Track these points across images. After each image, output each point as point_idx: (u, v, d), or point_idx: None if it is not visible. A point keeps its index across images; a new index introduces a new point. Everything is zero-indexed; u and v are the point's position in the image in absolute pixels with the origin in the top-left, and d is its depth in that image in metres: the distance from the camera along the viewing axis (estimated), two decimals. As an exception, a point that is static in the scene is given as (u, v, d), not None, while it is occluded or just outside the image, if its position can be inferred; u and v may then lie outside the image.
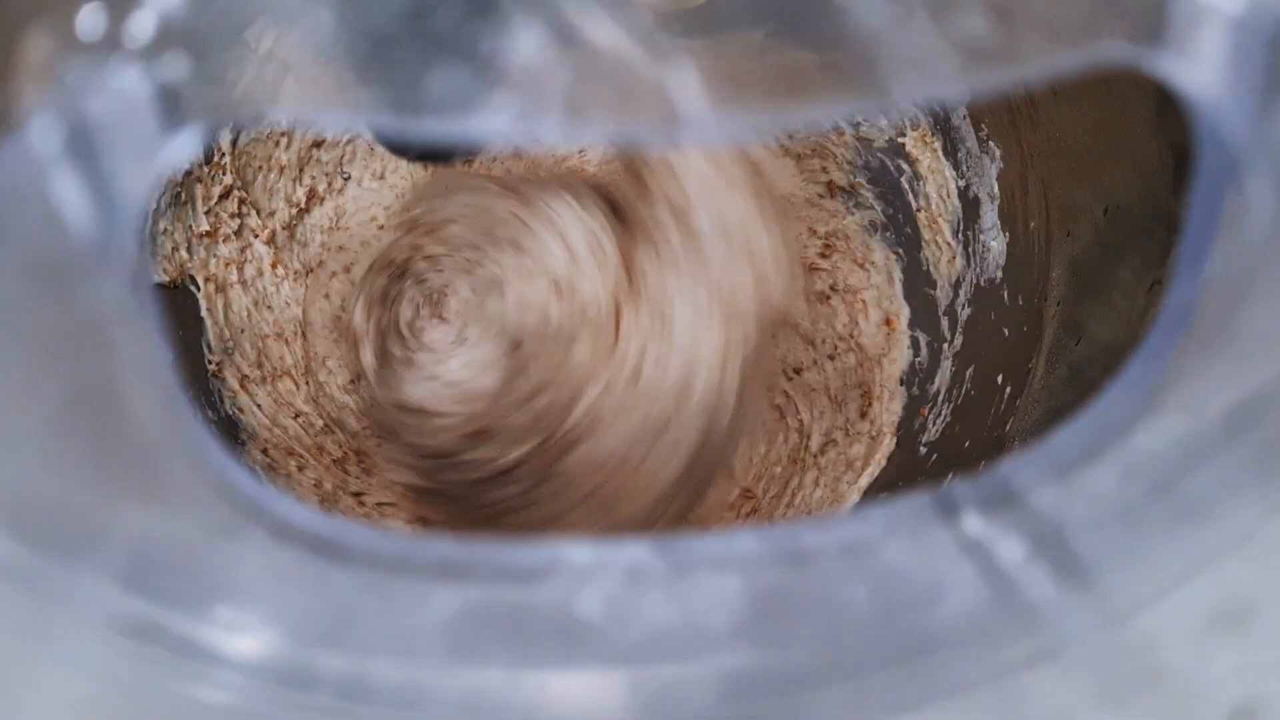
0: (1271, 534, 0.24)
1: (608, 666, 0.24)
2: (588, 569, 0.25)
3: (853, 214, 0.69)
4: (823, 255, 0.70)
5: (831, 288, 0.69)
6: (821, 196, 0.70)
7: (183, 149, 0.23)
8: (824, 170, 0.70)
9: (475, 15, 0.21)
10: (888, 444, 0.68)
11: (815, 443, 0.67)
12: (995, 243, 0.64)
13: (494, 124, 0.21)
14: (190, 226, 0.61)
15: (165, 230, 0.60)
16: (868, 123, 0.69)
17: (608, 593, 0.25)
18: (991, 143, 0.64)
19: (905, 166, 0.68)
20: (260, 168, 0.64)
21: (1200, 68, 0.24)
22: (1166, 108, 0.47)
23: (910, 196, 0.68)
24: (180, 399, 0.23)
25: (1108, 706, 0.23)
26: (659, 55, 0.21)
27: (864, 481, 0.65)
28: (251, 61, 0.22)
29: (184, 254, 0.61)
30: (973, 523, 0.26)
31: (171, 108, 0.22)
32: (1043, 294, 0.61)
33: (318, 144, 0.66)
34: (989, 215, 0.65)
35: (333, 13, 0.21)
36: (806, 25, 0.22)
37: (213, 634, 0.23)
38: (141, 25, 0.22)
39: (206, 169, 0.62)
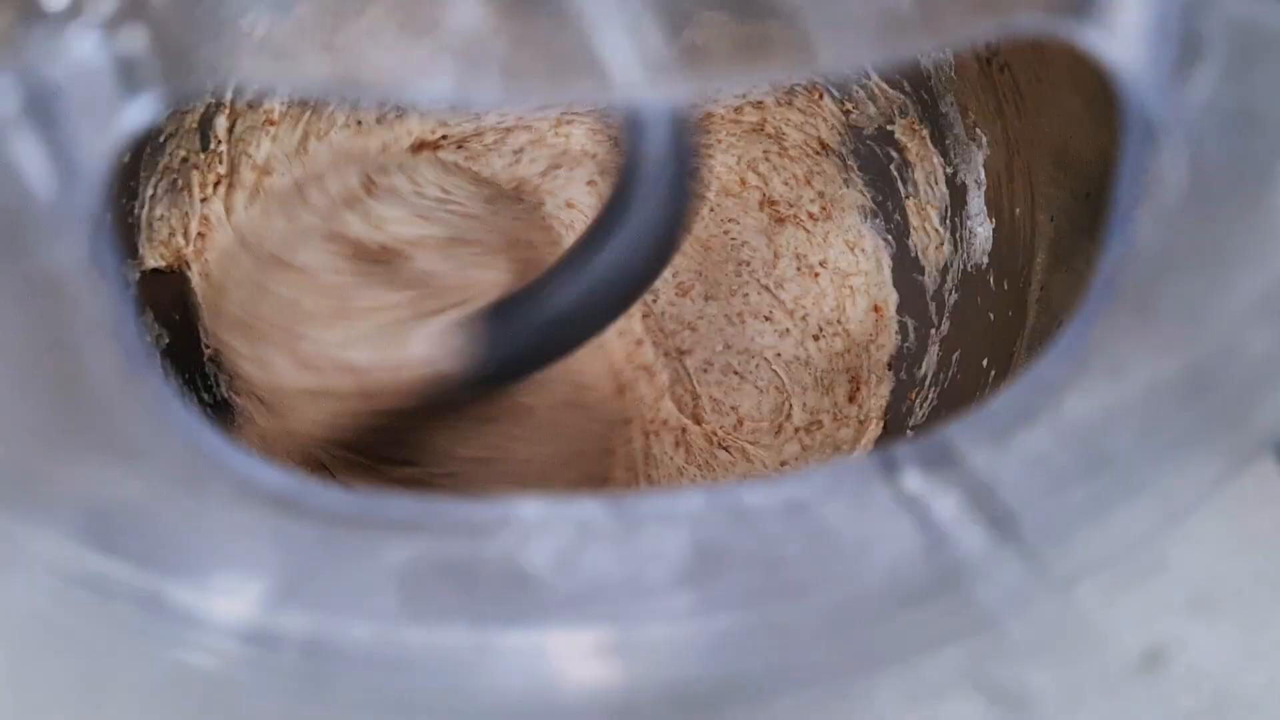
0: (1178, 485, 0.25)
1: (553, 616, 0.25)
2: (538, 523, 0.26)
3: (847, 188, 0.70)
4: (814, 218, 0.70)
5: (821, 263, 0.70)
6: (817, 152, 0.70)
7: (141, 114, 0.24)
8: (813, 126, 0.70)
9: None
10: (874, 428, 0.68)
11: (798, 417, 0.68)
12: (982, 229, 0.65)
13: (431, 90, 0.22)
14: (186, 213, 0.63)
15: (162, 216, 0.61)
16: (857, 110, 0.69)
17: (556, 545, 0.26)
18: (978, 129, 0.64)
19: (894, 154, 0.69)
20: (252, 157, 0.65)
21: (1120, 39, 0.25)
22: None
23: (899, 184, 0.69)
24: (142, 357, 0.24)
25: (1031, 657, 0.24)
26: (595, 22, 0.22)
27: (852, 464, 0.66)
28: (209, 30, 0.23)
29: (180, 240, 0.62)
30: (912, 480, 0.27)
31: (129, 75, 0.23)
32: (1026, 279, 0.61)
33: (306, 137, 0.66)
34: (976, 202, 0.65)
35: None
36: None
37: (174, 590, 0.24)
38: (103, -1, 0.23)
39: (203, 156, 0.63)
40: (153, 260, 0.61)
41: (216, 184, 0.64)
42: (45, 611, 0.25)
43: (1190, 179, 0.25)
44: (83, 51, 0.23)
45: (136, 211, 0.60)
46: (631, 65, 0.21)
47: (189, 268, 0.62)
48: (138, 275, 0.60)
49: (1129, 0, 0.25)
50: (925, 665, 0.24)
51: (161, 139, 0.60)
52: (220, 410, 0.61)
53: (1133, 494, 0.26)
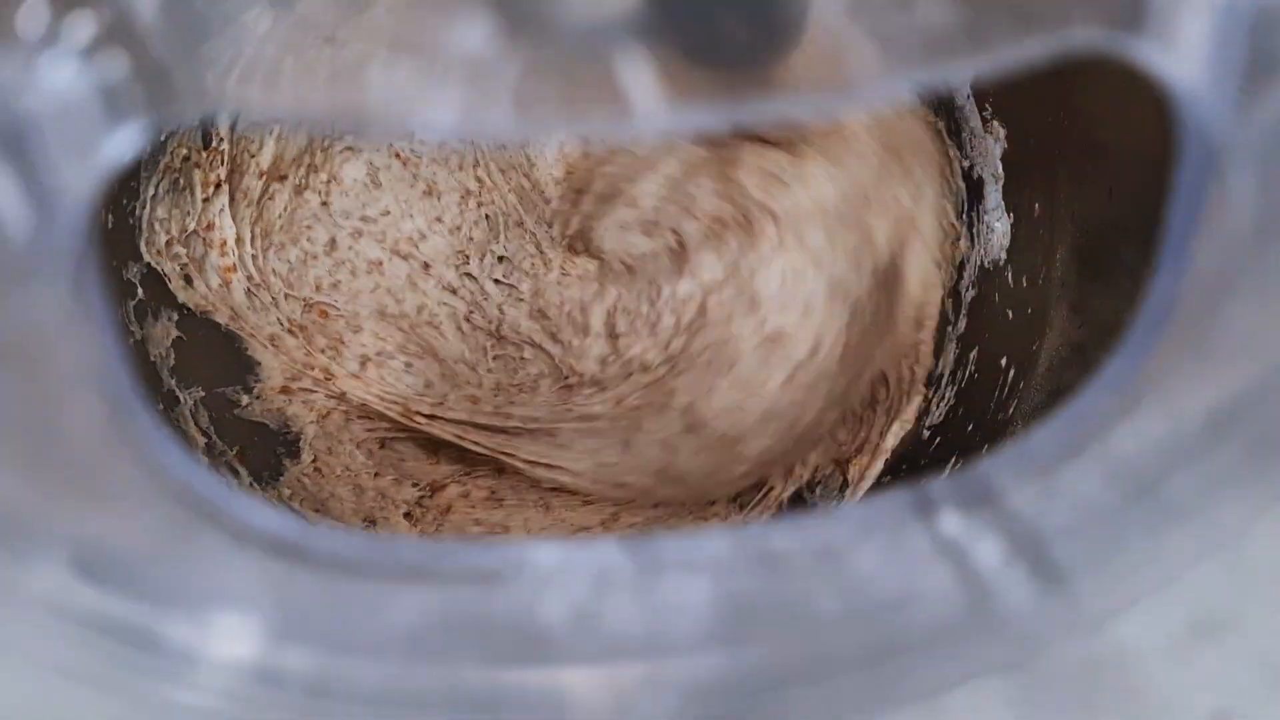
0: (1247, 541, 0.23)
1: (571, 672, 0.24)
2: (554, 571, 0.25)
3: None
4: None
5: None
6: None
7: (124, 145, 0.22)
8: None
9: (420, 6, 0.20)
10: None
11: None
12: (999, 224, 0.64)
13: (439, 119, 0.20)
14: (186, 213, 0.61)
15: (161, 219, 0.60)
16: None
17: (573, 597, 0.24)
18: (995, 123, 0.63)
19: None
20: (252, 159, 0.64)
21: (1180, 56, 0.24)
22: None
23: (915, 177, 0.68)
24: (133, 400, 0.23)
25: (1082, 716, 0.22)
26: (610, 46, 0.20)
27: (866, 463, 0.65)
28: (196, 54, 0.21)
29: (179, 248, 0.61)
30: (950, 522, 0.25)
31: (111, 104, 0.22)
32: (1047, 275, 0.60)
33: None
34: (993, 196, 0.64)
35: (270, 7, 0.20)
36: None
37: (167, 629, 0.23)
38: (82, 23, 0.21)
39: (205, 154, 0.61)
40: (155, 262, 0.60)
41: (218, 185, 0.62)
42: (40, 649, 0.23)
43: (1257, 205, 0.24)
44: (60, 81, 0.22)
45: (138, 212, 0.59)
46: (651, 91, 0.20)
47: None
48: (140, 275, 0.59)
49: (1190, 13, 0.23)
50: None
51: (162, 137, 0.59)
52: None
53: (1182, 528, 0.25)
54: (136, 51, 0.21)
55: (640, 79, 0.20)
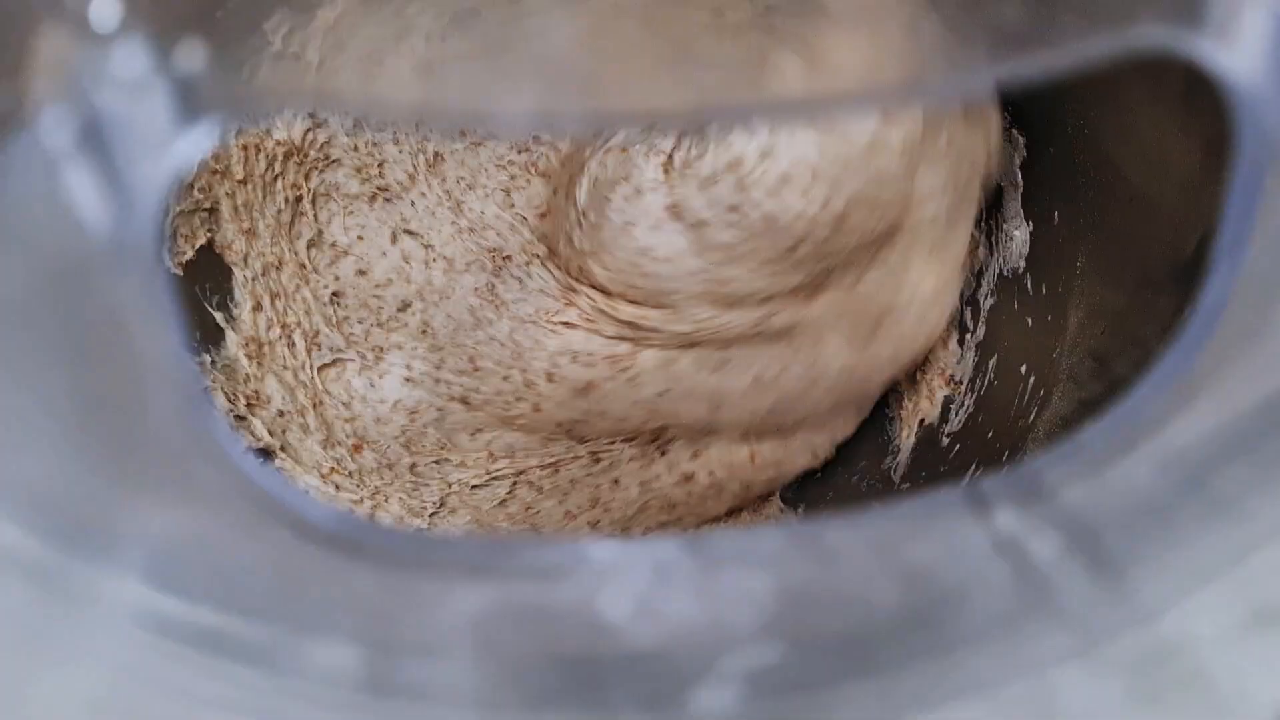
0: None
1: (633, 664, 0.24)
2: (613, 566, 0.25)
3: None
4: None
5: None
6: None
7: (199, 142, 0.22)
8: None
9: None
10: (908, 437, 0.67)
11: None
12: (1019, 232, 0.64)
13: (513, 108, 0.20)
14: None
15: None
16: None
17: (634, 590, 0.24)
18: (1015, 131, 0.63)
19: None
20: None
21: (1241, 52, 0.24)
22: (1194, 98, 0.46)
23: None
24: (201, 395, 0.23)
25: (1145, 708, 0.22)
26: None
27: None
28: (268, 53, 0.21)
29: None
30: (1005, 519, 0.25)
31: (187, 99, 0.22)
32: (1067, 283, 0.60)
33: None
34: (1012, 204, 0.64)
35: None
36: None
37: (232, 626, 0.23)
38: (157, 14, 0.22)
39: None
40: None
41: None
42: (122, 655, 0.23)
43: (1313, 202, 0.24)
44: (135, 74, 0.22)
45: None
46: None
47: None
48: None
49: (1250, 11, 0.23)
50: (1023, 712, 0.23)
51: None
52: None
53: (1234, 518, 0.25)
54: (214, 41, 0.21)
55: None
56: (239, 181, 0.62)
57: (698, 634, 0.24)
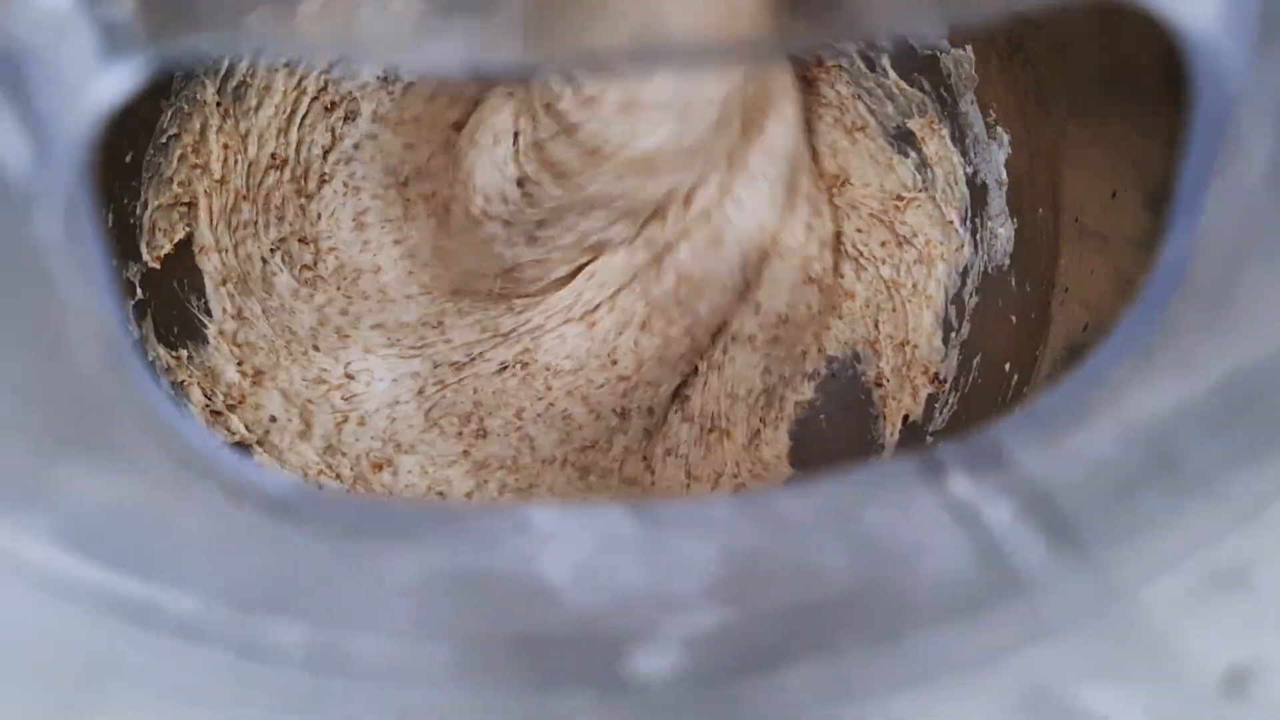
0: (1262, 494, 0.23)
1: (572, 631, 0.23)
2: (558, 532, 0.24)
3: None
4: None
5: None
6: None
7: (122, 82, 0.21)
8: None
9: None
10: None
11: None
12: (1003, 230, 0.63)
13: (449, 53, 0.19)
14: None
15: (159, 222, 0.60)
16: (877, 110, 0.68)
17: (577, 556, 0.24)
18: (999, 128, 0.63)
19: (912, 153, 0.67)
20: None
21: (1196, 4, 0.23)
22: (1176, 93, 0.45)
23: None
24: (126, 348, 0.22)
25: (1096, 675, 0.22)
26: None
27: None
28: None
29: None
30: (960, 484, 0.25)
31: (110, 35, 0.21)
32: (1050, 281, 0.60)
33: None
34: (996, 202, 0.64)
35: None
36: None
37: (157, 596, 0.22)
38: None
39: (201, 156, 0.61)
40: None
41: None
42: (31, 619, 0.23)
43: (1270, 156, 0.23)
44: (60, 9, 0.21)
45: (138, 213, 0.59)
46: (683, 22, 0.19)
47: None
48: (139, 275, 0.58)
49: (1203, -42, 0.23)
50: (979, 684, 0.22)
51: (164, 140, 0.59)
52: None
53: (1201, 498, 0.24)
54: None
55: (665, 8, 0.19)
56: (217, 180, 0.62)
57: (639, 599, 0.23)
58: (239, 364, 0.62)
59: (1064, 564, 0.23)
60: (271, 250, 0.64)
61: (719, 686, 0.23)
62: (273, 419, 0.61)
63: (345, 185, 0.66)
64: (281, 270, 0.64)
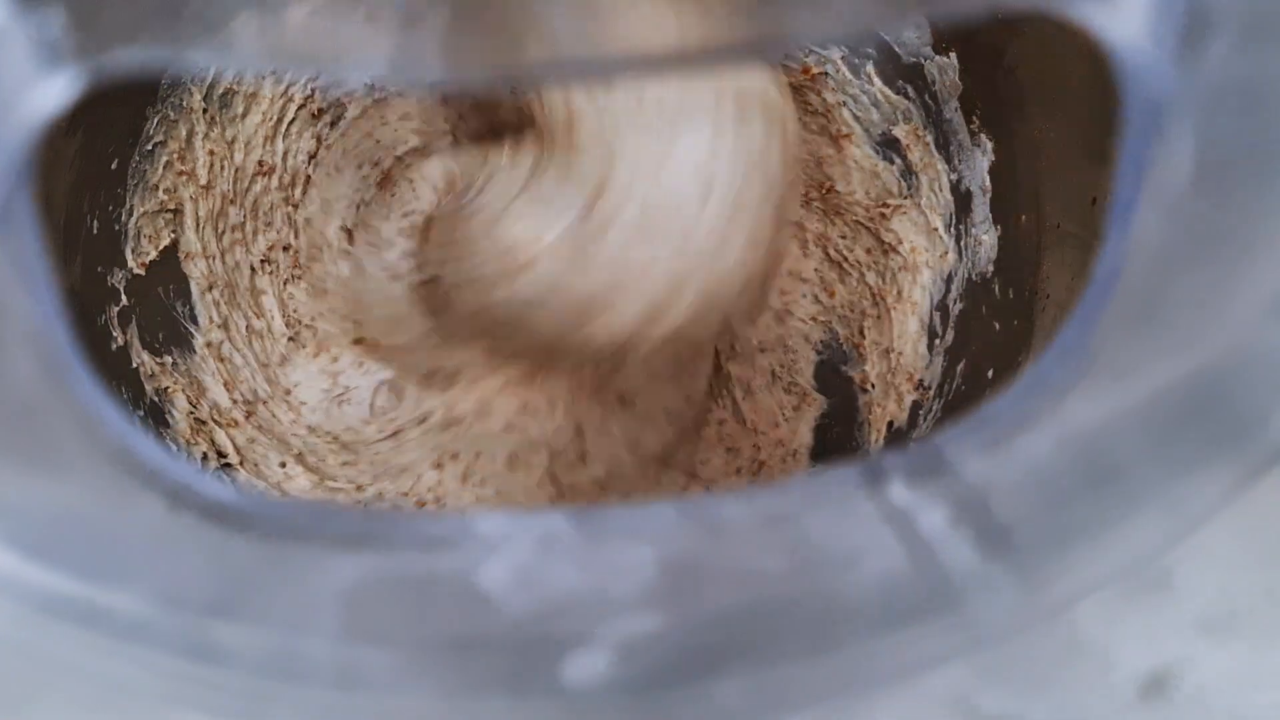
0: (1187, 498, 0.23)
1: (509, 635, 0.23)
2: (496, 538, 0.24)
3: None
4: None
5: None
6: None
7: (60, 93, 0.22)
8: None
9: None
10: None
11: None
12: (987, 236, 0.63)
13: (367, 68, 0.20)
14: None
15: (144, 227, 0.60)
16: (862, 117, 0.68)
17: (515, 561, 0.24)
18: (983, 135, 0.63)
19: (897, 159, 0.67)
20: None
21: (1121, 14, 0.23)
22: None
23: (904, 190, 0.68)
24: (68, 355, 0.23)
25: (1020, 680, 0.22)
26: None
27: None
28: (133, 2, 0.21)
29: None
30: (898, 492, 0.25)
31: (44, 47, 0.21)
32: (1033, 287, 0.60)
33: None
34: (980, 209, 0.64)
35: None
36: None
37: (99, 597, 0.23)
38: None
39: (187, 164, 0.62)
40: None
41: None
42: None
43: (1198, 165, 0.24)
44: (-8, 18, 0.21)
45: (124, 219, 0.59)
46: (581, 36, 0.19)
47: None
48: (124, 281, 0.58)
49: (1129, -30, 0.23)
50: (911, 690, 0.22)
51: (150, 146, 0.59)
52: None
53: (1137, 507, 0.24)
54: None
55: (572, 23, 0.20)
56: (204, 186, 0.62)
57: (574, 603, 0.23)
58: (225, 384, 0.62)
59: (995, 570, 0.23)
60: (262, 261, 0.65)
61: (653, 693, 0.23)
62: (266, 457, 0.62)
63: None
64: (268, 291, 0.65)
